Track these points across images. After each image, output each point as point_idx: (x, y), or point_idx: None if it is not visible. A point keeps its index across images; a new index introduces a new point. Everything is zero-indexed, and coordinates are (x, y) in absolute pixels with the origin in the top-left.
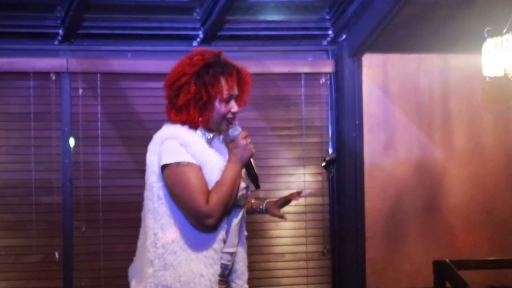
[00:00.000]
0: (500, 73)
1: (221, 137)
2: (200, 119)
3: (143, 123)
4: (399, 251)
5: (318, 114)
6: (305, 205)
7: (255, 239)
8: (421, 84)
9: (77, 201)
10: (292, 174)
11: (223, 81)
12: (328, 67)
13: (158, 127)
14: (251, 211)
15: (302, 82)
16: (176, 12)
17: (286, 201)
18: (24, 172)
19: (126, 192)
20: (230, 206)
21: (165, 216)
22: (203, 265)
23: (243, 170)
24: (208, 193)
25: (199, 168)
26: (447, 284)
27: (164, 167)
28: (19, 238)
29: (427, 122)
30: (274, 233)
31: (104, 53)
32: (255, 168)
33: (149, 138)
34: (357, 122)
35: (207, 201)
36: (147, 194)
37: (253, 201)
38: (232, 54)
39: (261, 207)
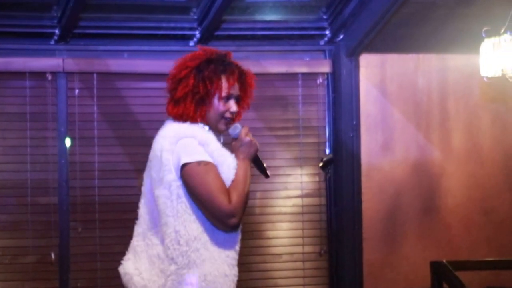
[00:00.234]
0: (498, 73)
1: (221, 137)
2: (196, 113)
3: (140, 123)
4: (396, 252)
5: (315, 114)
6: (302, 206)
7: (252, 239)
8: (419, 84)
9: (73, 201)
10: (289, 175)
11: (223, 79)
12: (325, 67)
13: (154, 127)
14: None
15: (299, 82)
16: (173, 12)
17: None
18: (20, 172)
19: (123, 193)
20: (247, 203)
21: (185, 214)
22: (226, 265)
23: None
24: (228, 192)
25: (216, 167)
26: (445, 285)
27: (183, 166)
28: (15, 239)
29: (425, 122)
30: (271, 233)
31: (100, 53)
32: (261, 159)
33: (146, 138)
34: (354, 123)
35: (229, 201)
36: (163, 192)
37: None
38: None
39: None
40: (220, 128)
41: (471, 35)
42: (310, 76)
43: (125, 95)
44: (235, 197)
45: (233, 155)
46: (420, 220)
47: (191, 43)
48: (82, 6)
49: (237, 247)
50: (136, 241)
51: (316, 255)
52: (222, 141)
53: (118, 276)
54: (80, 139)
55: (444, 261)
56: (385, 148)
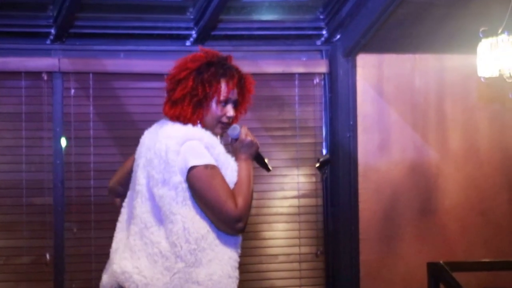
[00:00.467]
0: (495, 73)
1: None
2: (193, 116)
3: (136, 124)
4: (393, 253)
5: (312, 115)
6: (299, 206)
7: (247, 240)
8: (416, 85)
9: (68, 202)
10: (285, 175)
11: (222, 83)
12: (322, 67)
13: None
14: None
15: (296, 82)
16: (169, 12)
17: None
18: (15, 172)
19: None
20: (251, 205)
21: (192, 213)
22: (229, 266)
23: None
24: (234, 196)
25: (221, 171)
26: (441, 286)
27: (191, 169)
28: (9, 239)
29: (422, 123)
30: (267, 234)
31: (96, 53)
32: (262, 155)
33: None
34: (351, 123)
35: (236, 205)
36: (168, 193)
37: None
38: (226, 54)
39: None
40: (217, 132)
41: (468, 35)
42: (307, 76)
43: (121, 95)
44: (240, 201)
45: (233, 158)
46: (417, 221)
47: (188, 43)
48: (78, 6)
49: (239, 250)
50: (133, 240)
51: (313, 256)
52: (222, 143)
53: None
54: (76, 139)
55: (441, 262)
56: (382, 149)
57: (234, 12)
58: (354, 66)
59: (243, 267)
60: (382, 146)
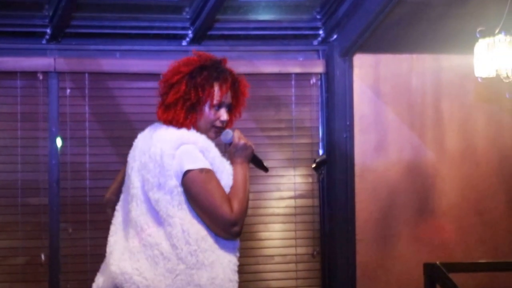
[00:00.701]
0: (492, 73)
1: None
2: (186, 120)
3: (132, 124)
4: (390, 253)
5: (309, 115)
6: (295, 207)
7: (244, 241)
8: (413, 85)
9: (64, 202)
10: (282, 176)
11: (216, 87)
12: (318, 67)
13: (146, 128)
14: None
15: (293, 82)
16: (165, 11)
17: None
18: (10, 172)
19: None
20: (247, 209)
21: (189, 216)
22: (229, 270)
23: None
24: (229, 200)
25: (216, 175)
26: (438, 287)
27: (186, 173)
28: (4, 240)
29: (419, 123)
30: (264, 235)
31: (92, 53)
32: (258, 156)
33: None
34: (348, 123)
35: (232, 209)
36: (164, 197)
37: None
38: (222, 54)
39: None
40: (210, 136)
41: (466, 35)
42: (303, 76)
43: (117, 95)
44: (236, 205)
45: (228, 161)
46: (414, 222)
47: (184, 43)
48: (74, 6)
49: (237, 254)
50: (132, 243)
51: (309, 257)
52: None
53: None
54: (72, 139)
55: (437, 263)
56: (378, 149)
57: (230, 12)
58: (351, 66)
59: (240, 268)
60: (379, 147)
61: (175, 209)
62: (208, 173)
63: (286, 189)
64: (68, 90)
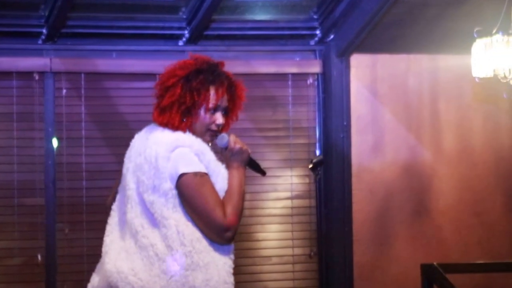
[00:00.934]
0: (489, 74)
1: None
2: (182, 124)
3: (128, 124)
4: (387, 254)
5: (306, 115)
6: (292, 208)
7: (240, 242)
8: (410, 85)
9: (60, 202)
10: (279, 176)
11: (212, 90)
12: (315, 67)
13: (143, 128)
14: None
15: (289, 82)
16: (162, 11)
17: None
18: (6, 173)
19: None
20: (242, 214)
21: (183, 219)
22: (224, 272)
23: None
24: (223, 205)
25: (210, 179)
26: None
27: (180, 176)
28: (0, 240)
29: (416, 123)
30: (260, 235)
31: (88, 53)
32: (255, 160)
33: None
34: (345, 123)
35: (225, 214)
36: (158, 199)
37: None
38: (219, 54)
39: None
40: (206, 139)
41: (463, 35)
42: (300, 77)
43: (113, 95)
44: (230, 210)
45: (224, 165)
46: (411, 222)
47: (180, 43)
48: (70, 6)
49: (232, 256)
50: (129, 243)
51: (306, 257)
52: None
53: None
54: (68, 140)
55: (435, 263)
56: (375, 149)
57: (227, 12)
58: (347, 66)
59: (236, 269)
60: (376, 147)
61: (169, 211)
62: (202, 177)
63: (283, 189)
64: (64, 90)
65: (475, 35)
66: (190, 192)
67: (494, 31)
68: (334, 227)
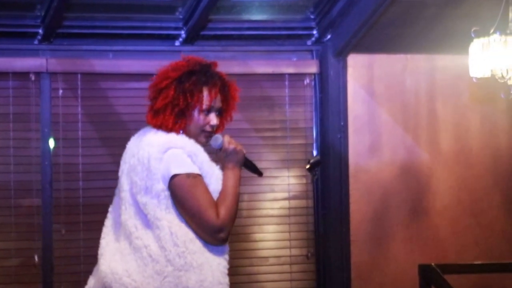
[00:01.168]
0: (487, 74)
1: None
2: (176, 125)
3: (125, 124)
4: (384, 254)
5: (303, 116)
6: (289, 208)
7: (238, 242)
8: (407, 85)
9: (57, 203)
10: (276, 177)
11: (205, 91)
12: (312, 67)
13: (139, 128)
14: None
15: (286, 83)
16: (158, 11)
17: None
18: (2, 174)
19: (107, 194)
20: (236, 215)
21: (176, 220)
22: (219, 272)
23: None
24: (216, 206)
25: (204, 180)
26: None
27: (172, 177)
28: None
29: (413, 124)
30: (257, 236)
31: (84, 53)
32: (251, 161)
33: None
34: (342, 124)
35: (218, 215)
36: (151, 201)
37: None
38: (216, 54)
39: None
40: (200, 141)
41: (460, 35)
42: (297, 77)
43: (109, 95)
44: (223, 211)
45: (218, 166)
46: (408, 222)
47: (177, 43)
48: (66, 6)
49: (227, 256)
50: (124, 245)
51: (303, 258)
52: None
53: None
54: (64, 140)
55: (432, 264)
56: (373, 150)
57: (223, 12)
58: (344, 66)
59: (233, 270)
60: (373, 147)
61: (162, 212)
62: (195, 178)
63: (280, 190)
64: (61, 91)
65: (473, 35)
66: (182, 193)
67: (491, 31)
68: (332, 228)
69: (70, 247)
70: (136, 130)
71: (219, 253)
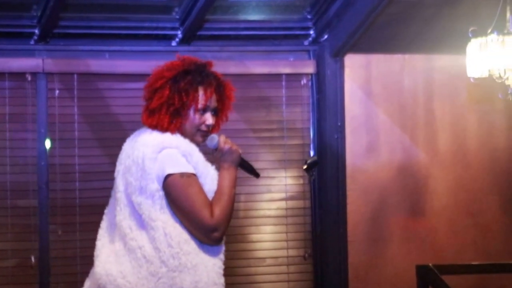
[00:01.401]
0: (484, 74)
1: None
2: (171, 125)
3: (121, 125)
4: (381, 255)
5: (300, 116)
6: (286, 209)
7: (235, 243)
8: (404, 85)
9: (53, 204)
10: (273, 177)
11: (200, 91)
12: (309, 67)
13: (136, 129)
14: None
15: (283, 83)
16: (155, 12)
17: None
18: None
19: (104, 195)
20: (231, 215)
21: (171, 220)
22: (214, 273)
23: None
24: (211, 205)
25: (198, 180)
26: None
27: (167, 177)
28: None
29: (410, 124)
30: (255, 237)
31: (81, 53)
32: (248, 161)
33: None
34: (339, 124)
35: (212, 214)
36: (146, 201)
37: None
38: (212, 54)
39: None
40: (197, 140)
41: (458, 35)
42: (294, 77)
43: (106, 96)
44: (217, 210)
45: (214, 166)
46: (406, 223)
47: (173, 43)
48: (62, 6)
49: (223, 256)
50: (118, 246)
51: (301, 259)
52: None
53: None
54: (60, 141)
55: (430, 264)
56: (370, 150)
57: (220, 12)
58: (342, 67)
59: (230, 271)
60: (370, 148)
61: (157, 212)
62: (189, 178)
63: (277, 190)
64: (57, 91)
65: (470, 35)
66: (176, 193)
67: (489, 31)
68: (329, 228)
69: (66, 248)
70: (132, 130)
71: (214, 254)
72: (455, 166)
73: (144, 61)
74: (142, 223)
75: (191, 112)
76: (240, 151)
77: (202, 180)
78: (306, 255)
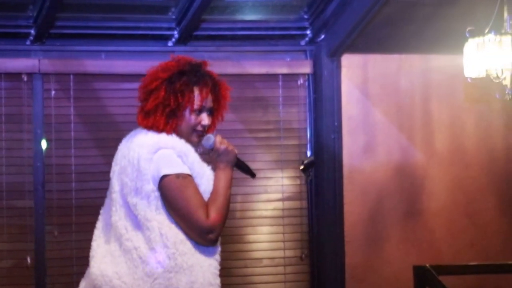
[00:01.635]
0: (482, 73)
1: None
2: (167, 126)
3: (117, 125)
4: (379, 255)
5: (296, 116)
6: (283, 209)
7: (231, 244)
8: (401, 85)
9: (49, 205)
10: (270, 178)
11: (196, 91)
12: (306, 67)
13: (132, 129)
14: None
15: (280, 83)
16: (151, 12)
17: None
18: None
19: (100, 196)
20: (227, 216)
21: (167, 221)
22: (209, 273)
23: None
24: (206, 206)
25: (194, 181)
26: None
27: (162, 178)
28: None
29: (407, 124)
30: (251, 237)
31: (77, 54)
32: (244, 161)
33: None
34: (336, 124)
35: (207, 216)
36: (141, 201)
37: None
38: (209, 55)
39: None
40: (193, 140)
41: (455, 35)
42: (291, 77)
43: (102, 96)
44: (213, 212)
45: (209, 167)
46: (403, 223)
47: (170, 44)
48: (58, 6)
49: (218, 257)
50: (114, 246)
51: (297, 259)
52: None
53: None
54: (57, 141)
55: (427, 265)
56: (367, 150)
57: (217, 12)
58: (338, 67)
59: (227, 271)
60: (368, 148)
61: (152, 213)
62: (185, 179)
63: (274, 191)
64: (53, 92)
65: (467, 35)
66: (172, 194)
67: (486, 30)
68: (326, 229)
69: (62, 249)
70: (128, 131)
71: (210, 254)
72: (453, 166)
73: (141, 61)
74: (137, 223)
75: (187, 113)
76: (236, 151)
77: (198, 180)
78: (303, 255)
